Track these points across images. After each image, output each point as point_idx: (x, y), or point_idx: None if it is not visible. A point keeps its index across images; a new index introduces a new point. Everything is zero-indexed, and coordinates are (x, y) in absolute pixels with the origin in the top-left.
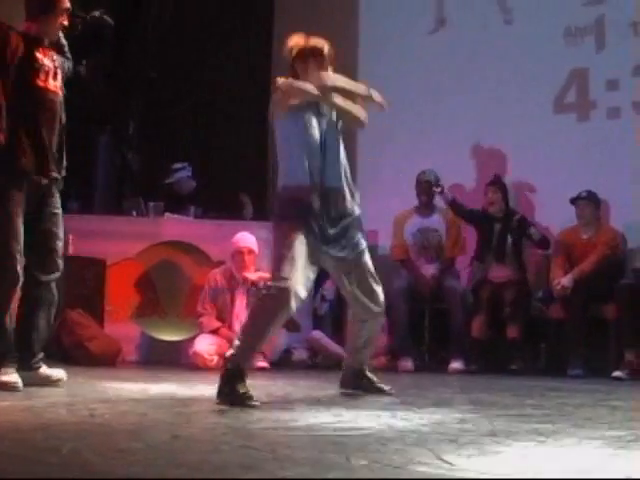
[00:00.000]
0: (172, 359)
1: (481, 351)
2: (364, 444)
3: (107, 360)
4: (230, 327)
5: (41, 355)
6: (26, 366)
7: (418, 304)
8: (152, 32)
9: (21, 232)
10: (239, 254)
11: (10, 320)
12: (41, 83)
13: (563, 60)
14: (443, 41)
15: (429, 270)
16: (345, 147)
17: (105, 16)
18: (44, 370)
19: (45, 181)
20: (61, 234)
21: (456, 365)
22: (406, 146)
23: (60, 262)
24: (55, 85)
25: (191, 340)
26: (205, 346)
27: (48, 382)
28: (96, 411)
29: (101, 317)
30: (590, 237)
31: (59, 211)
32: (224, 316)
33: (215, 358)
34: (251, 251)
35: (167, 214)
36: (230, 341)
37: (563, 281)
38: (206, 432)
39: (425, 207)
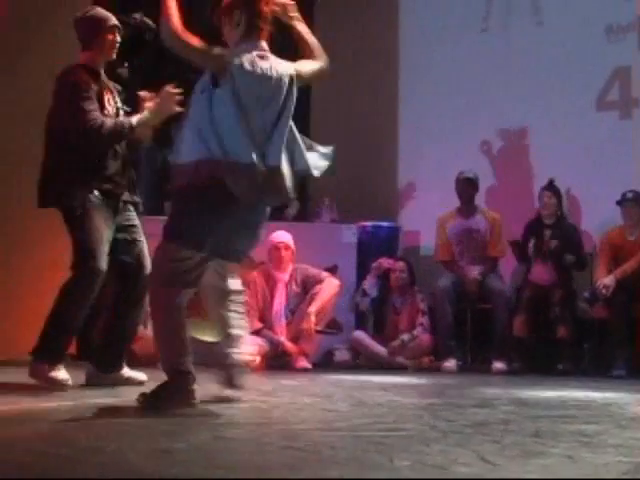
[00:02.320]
0: (214, 360)
1: (523, 350)
2: (407, 445)
3: (149, 361)
4: (271, 327)
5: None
6: (111, 368)
7: (462, 304)
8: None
9: (105, 238)
10: (276, 250)
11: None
12: None
13: (605, 58)
14: (484, 39)
15: (472, 271)
16: (387, 147)
17: (146, 19)
18: (126, 371)
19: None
20: (141, 242)
21: (499, 365)
22: (446, 147)
23: (146, 265)
24: None
25: None
26: (247, 347)
27: (131, 383)
28: (139, 411)
29: (144, 318)
30: (636, 238)
31: (136, 222)
32: (265, 316)
33: (257, 359)
34: (287, 247)
35: None
36: (271, 342)
37: (605, 281)
38: (249, 433)
39: (467, 208)
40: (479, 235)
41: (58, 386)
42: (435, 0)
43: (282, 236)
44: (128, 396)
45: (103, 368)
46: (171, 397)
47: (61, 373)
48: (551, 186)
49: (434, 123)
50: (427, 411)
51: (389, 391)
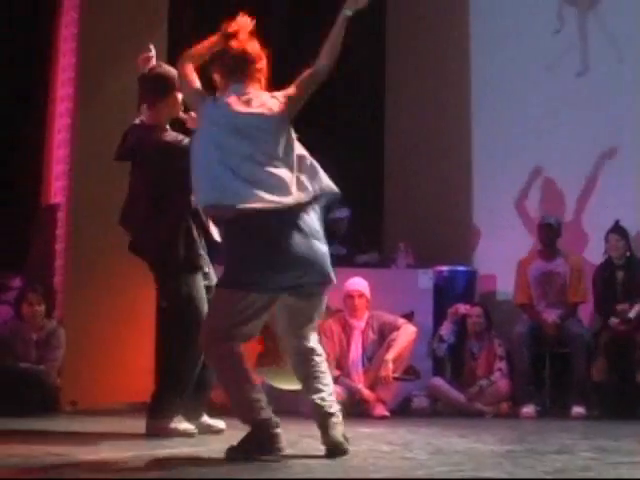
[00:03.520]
0: (292, 408)
1: (603, 396)
2: None
3: (228, 410)
4: (348, 375)
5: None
6: (192, 415)
7: (540, 349)
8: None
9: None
10: (349, 298)
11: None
12: None
13: None
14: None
15: (551, 315)
16: (461, 187)
17: None
18: (205, 419)
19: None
20: None
21: (578, 410)
22: (524, 188)
23: None
24: None
25: None
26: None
27: (209, 431)
28: (218, 461)
29: None
30: None
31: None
32: (342, 364)
33: None
34: (361, 295)
35: None
36: (349, 389)
37: None
38: None
39: (548, 251)
40: (559, 278)
41: (185, 436)
42: (508, 28)
43: (356, 284)
44: (207, 445)
45: (184, 416)
46: (258, 447)
47: (186, 425)
48: (618, 228)
49: (510, 163)
50: (506, 458)
51: (468, 438)
